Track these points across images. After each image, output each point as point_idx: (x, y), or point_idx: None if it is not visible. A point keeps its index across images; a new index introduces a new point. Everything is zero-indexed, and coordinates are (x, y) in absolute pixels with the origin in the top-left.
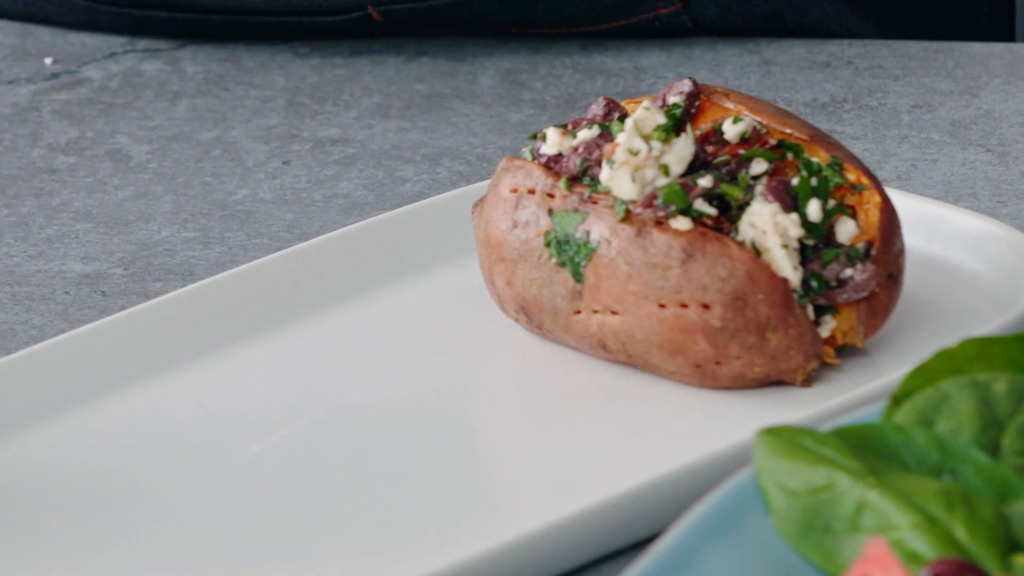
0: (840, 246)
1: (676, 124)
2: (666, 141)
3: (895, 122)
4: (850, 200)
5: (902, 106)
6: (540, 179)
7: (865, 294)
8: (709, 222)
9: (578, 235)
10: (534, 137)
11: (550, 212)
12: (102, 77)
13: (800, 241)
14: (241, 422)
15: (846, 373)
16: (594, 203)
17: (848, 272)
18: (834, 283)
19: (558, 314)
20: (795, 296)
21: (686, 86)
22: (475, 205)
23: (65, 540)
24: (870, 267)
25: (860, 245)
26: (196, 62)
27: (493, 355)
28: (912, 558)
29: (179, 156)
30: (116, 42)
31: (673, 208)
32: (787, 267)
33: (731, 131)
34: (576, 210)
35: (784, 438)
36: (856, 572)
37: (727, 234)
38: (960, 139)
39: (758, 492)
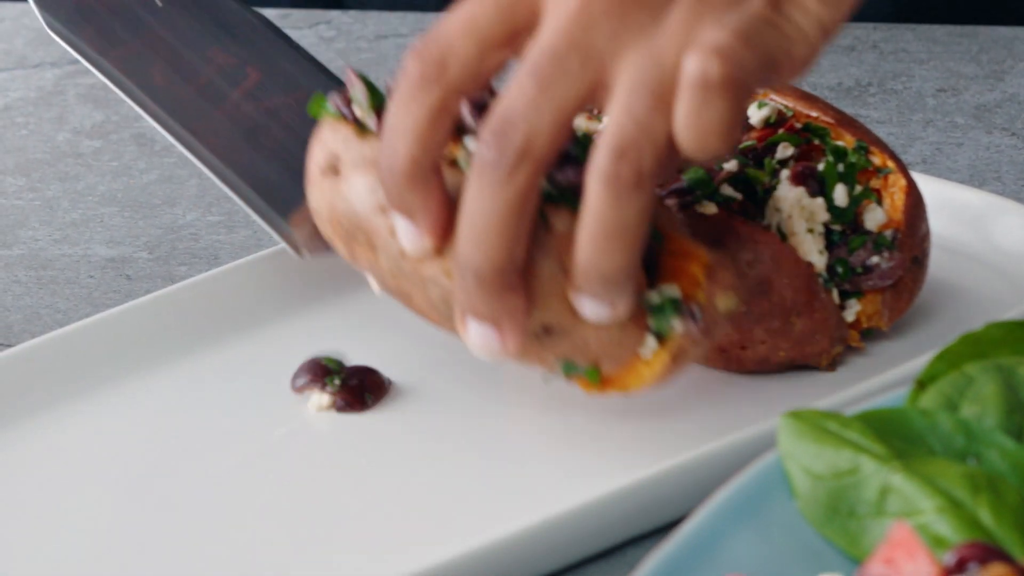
0: (867, 233)
1: None
2: None
3: (920, 106)
4: (876, 184)
5: (927, 90)
6: None
7: (891, 282)
8: (735, 207)
9: None
10: None
11: None
12: None
13: (827, 227)
14: (267, 405)
15: (871, 357)
16: None
17: (874, 259)
18: (860, 270)
19: None
20: (820, 281)
21: None
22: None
23: (92, 515)
24: (896, 255)
25: (887, 233)
26: None
27: None
28: (937, 542)
29: None
30: None
31: (699, 193)
32: (812, 251)
33: (756, 116)
34: None
35: (809, 422)
36: (881, 556)
37: (752, 219)
38: (985, 123)
39: (783, 476)
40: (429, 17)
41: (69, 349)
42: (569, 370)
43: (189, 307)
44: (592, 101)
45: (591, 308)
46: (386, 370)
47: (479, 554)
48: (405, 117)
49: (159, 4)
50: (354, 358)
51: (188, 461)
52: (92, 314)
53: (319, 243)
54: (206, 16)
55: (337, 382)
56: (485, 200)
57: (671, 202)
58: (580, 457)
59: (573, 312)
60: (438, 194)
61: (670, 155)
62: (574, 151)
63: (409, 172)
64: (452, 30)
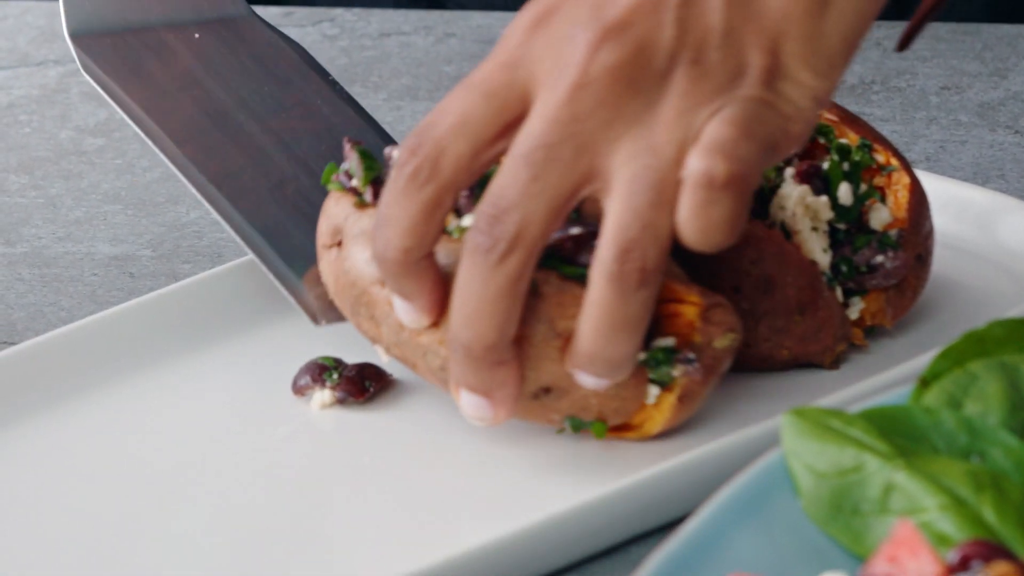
0: (872, 232)
1: None
2: None
3: (924, 104)
4: (879, 182)
5: (931, 87)
6: None
7: (895, 281)
8: None
9: None
10: None
11: None
12: None
13: (831, 225)
14: (270, 403)
15: (874, 355)
16: None
17: (879, 259)
18: (864, 269)
19: None
20: (824, 279)
21: None
22: None
23: (95, 513)
24: (901, 255)
25: (892, 232)
26: None
27: None
28: (940, 540)
29: None
30: None
31: None
32: (816, 250)
33: None
34: None
35: (813, 420)
36: (884, 554)
37: (757, 217)
38: (989, 121)
39: (786, 474)
40: (432, 15)
41: (72, 347)
42: (576, 426)
43: (192, 305)
44: (586, 189)
45: (591, 382)
46: (389, 368)
47: (483, 552)
48: (399, 210)
49: (195, 36)
50: (356, 357)
51: (191, 459)
52: (95, 312)
53: (334, 310)
54: (243, 50)
55: (336, 376)
56: (477, 283)
57: None
58: (584, 454)
59: (568, 372)
60: (432, 279)
61: (671, 247)
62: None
63: (403, 261)
64: (445, 129)
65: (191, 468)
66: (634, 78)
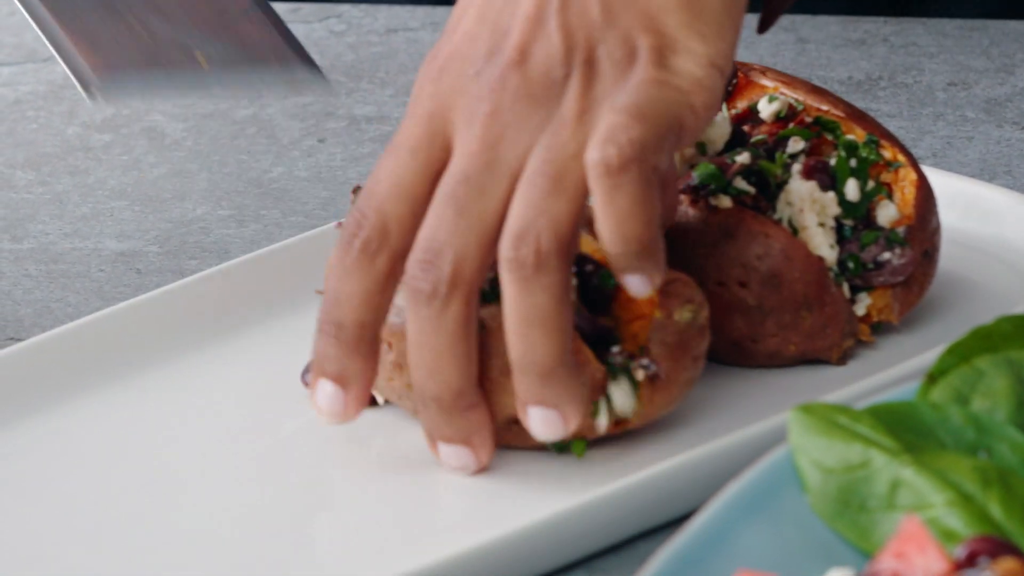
0: (880, 229)
1: None
2: None
3: (931, 100)
4: (886, 178)
5: (938, 84)
6: None
7: (902, 278)
8: (748, 200)
9: None
10: None
11: None
12: None
13: (838, 221)
14: (277, 399)
15: (881, 350)
16: None
17: (886, 256)
18: (871, 266)
19: None
20: (831, 275)
21: None
22: None
23: (101, 510)
24: (908, 252)
25: (900, 230)
26: None
27: None
28: (947, 536)
29: (214, 134)
30: None
31: (713, 187)
32: (823, 245)
33: (766, 110)
34: None
35: (820, 416)
36: (891, 550)
37: (764, 213)
38: (996, 117)
39: (793, 470)
40: (439, 11)
41: (79, 343)
42: (559, 448)
43: (199, 301)
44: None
45: (543, 424)
46: None
47: (490, 548)
48: (353, 284)
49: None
50: None
51: (198, 456)
52: (102, 308)
53: (113, 77)
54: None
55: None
56: (428, 333)
57: (684, 197)
58: (591, 450)
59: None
60: (376, 360)
61: (575, 238)
62: None
63: (358, 337)
64: (383, 196)
65: (197, 464)
66: (536, 94)
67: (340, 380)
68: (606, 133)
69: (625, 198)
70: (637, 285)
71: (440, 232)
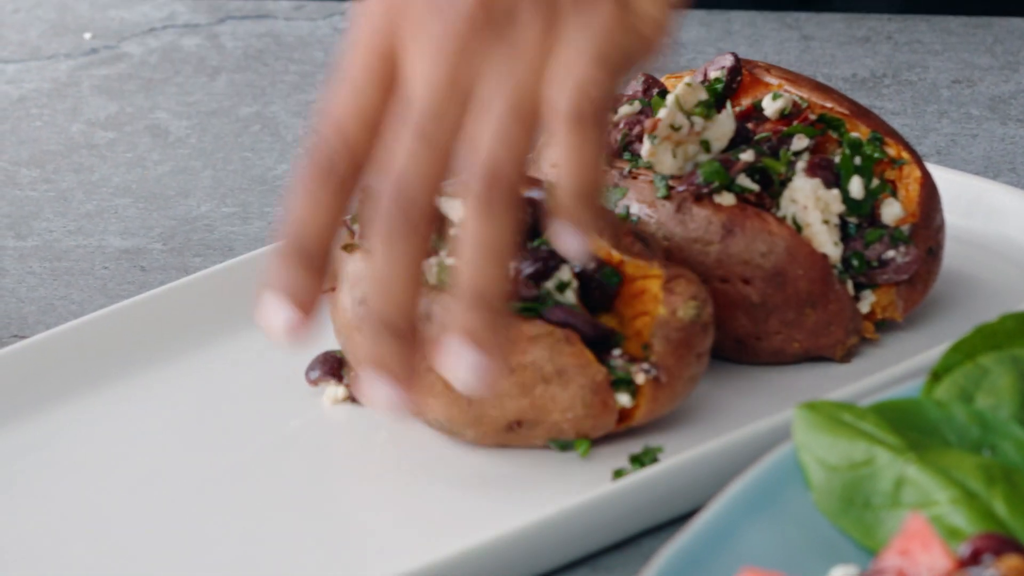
0: (884, 227)
1: (718, 99)
2: (708, 117)
3: (935, 97)
4: (890, 175)
5: (942, 81)
6: None
7: (906, 276)
8: (751, 198)
9: (618, 210)
10: None
11: None
12: (141, 52)
13: (842, 219)
14: (281, 396)
15: (885, 348)
16: (634, 178)
17: (890, 253)
18: (875, 264)
19: None
20: (835, 272)
21: (728, 61)
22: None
23: (105, 507)
24: (913, 250)
25: (904, 227)
26: (235, 37)
27: None
28: (952, 533)
29: (218, 131)
30: (155, 17)
31: (717, 184)
32: (827, 243)
33: (770, 107)
34: (616, 185)
35: (824, 413)
36: (896, 547)
37: (768, 210)
38: (1000, 114)
39: (798, 467)
40: None
41: (83, 340)
42: (563, 447)
43: (203, 298)
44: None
45: (458, 358)
46: None
47: (496, 545)
48: (311, 203)
49: None
50: None
51: (202, 453)
52: (106, 305)
53: None
54: None
55: (352, 374)
56: (396, 264)
57: (688, 194)
58: (596, 447)
59: (532, 404)
60: (324, 275)
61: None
62: None
63: (313, 251)
64: (340, 116)
65: (201, 460)
66: (497, 21)
67: (291, 294)
68: (576, 82)
69: (592, 148)
70: (570, 238)
71: (410, 166)
